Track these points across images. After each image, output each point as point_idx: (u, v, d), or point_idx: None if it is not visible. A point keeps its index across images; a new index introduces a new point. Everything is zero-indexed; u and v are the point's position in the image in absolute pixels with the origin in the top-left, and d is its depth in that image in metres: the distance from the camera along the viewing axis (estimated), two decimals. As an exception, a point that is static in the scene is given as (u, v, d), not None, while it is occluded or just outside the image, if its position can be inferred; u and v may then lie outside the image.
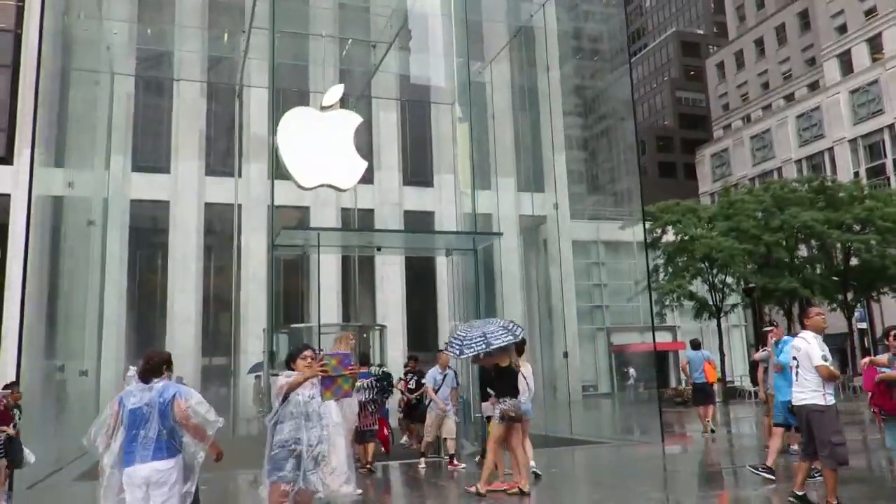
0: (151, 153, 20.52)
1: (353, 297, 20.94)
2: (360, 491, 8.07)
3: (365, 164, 10.47)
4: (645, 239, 14.86)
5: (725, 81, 63.64)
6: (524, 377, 8.84)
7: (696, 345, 14.66)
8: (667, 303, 26.77)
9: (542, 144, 23.54)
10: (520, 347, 9.06)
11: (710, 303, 27.36)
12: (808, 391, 6.41)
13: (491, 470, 7.92)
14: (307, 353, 5.34)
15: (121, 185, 19.68)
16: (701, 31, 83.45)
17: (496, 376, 8.27)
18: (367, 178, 22.12)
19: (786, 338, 8.59)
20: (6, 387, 9.32)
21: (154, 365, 4.97)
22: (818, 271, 29.23)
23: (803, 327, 6.68)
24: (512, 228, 21.38)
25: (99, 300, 18.76)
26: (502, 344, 7.90)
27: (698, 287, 27.68)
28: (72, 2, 14.40)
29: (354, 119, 10.51)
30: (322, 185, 10.26)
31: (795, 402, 6.57)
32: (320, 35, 19.83)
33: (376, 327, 16.37)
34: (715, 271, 27.16)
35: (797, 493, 6.54)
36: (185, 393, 4.89)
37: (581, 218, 29.11)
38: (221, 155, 21.00)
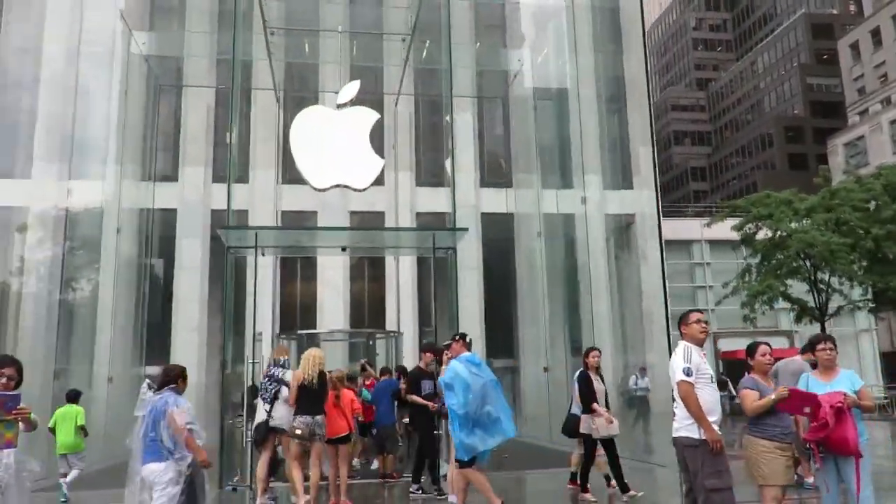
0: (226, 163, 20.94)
1: (430, 300, 20.44)
2: None
3: (381, 162, 9.90)
4: (661, 238, 13.34)
5: (861, 63, 58.30)
6: None
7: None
8: (756, 305, 24.17)
9: (629, 138, 22.17)
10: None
11: (812, 305, 24.49)
12: (679, 419, 4.99)
13: (293, 485, 7.84)
14: (5, 370, 4.57)
15: (202, 196, 20.20)
16: (834, 11, 77.28)
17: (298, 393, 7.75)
18: (444, 181, 21.78)
19: (466, 354, 7.00)
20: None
21: (169, 378, 5.75)
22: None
23: (681, 336, 5.29)
24: (598, 228, 20.19)
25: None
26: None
27: (799, 289, 24.71)
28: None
29: (370, 117, 9.97)
30: (336, 186, 9.81)
31: (673, 434, 5.16)
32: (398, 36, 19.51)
33: (391, 334, 15.45)
34: (814, 269, 24.30)
35: None
36: (176, 404, 5.51)
37: (683, 215, 27.11)
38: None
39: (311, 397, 7.72)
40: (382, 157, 20.29)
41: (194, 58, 20.33)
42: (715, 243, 27.01)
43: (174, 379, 5.73)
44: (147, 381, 6.14)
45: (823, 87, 71.47)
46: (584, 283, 19.83)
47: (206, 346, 19.93)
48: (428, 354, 9.13)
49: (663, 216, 26.15)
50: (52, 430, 9.35)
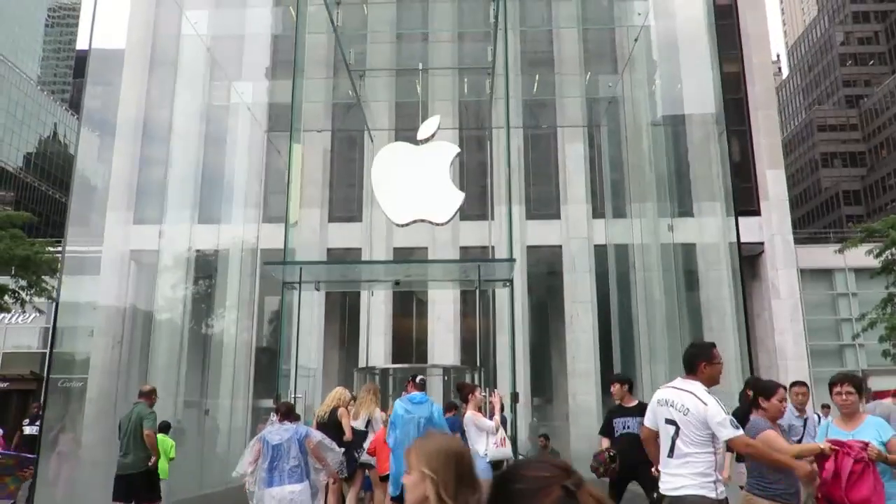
0: (345, 203, 21.59)
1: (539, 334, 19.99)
2: None
3: (461, 195, 9.73)
4: (740, 262, 12.03)
5: None
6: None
7: None
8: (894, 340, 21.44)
9: (754, 161, 20.82)
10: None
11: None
12: (690, 475, 4.16)
13: None
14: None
15: (318, 236, 20.93)
16: None
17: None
18: (555, 214, 21.34)
19: (410, 394, 7.65)
20: None
21: (290, 411, 6.82)
22: None
23: (690, 373, 4.41)
24: (721, 258, 18.96)
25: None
26: None
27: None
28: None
29: (450, 151, 9.86)
30: (416, 221, 9.75)
31: (667, 490, 4.32)
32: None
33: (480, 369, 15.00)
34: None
35: None
36: (313, 432, 6.57)
37: (824, 242, 24.94)
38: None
39: (324, 433, 7.75)
40: (492, 191, 20.45)
41: (310, 103, 21.24)
42: (861, 271, 24.58)
43: (294, 412, 6.85)
44: (273, 413, 6.99)
45: None
46: (706, 317, 18.65)
47: (322, 378, 20.54)
48: (620, 386, 7.68)
49: (802, 243, 24.34)
50: None
